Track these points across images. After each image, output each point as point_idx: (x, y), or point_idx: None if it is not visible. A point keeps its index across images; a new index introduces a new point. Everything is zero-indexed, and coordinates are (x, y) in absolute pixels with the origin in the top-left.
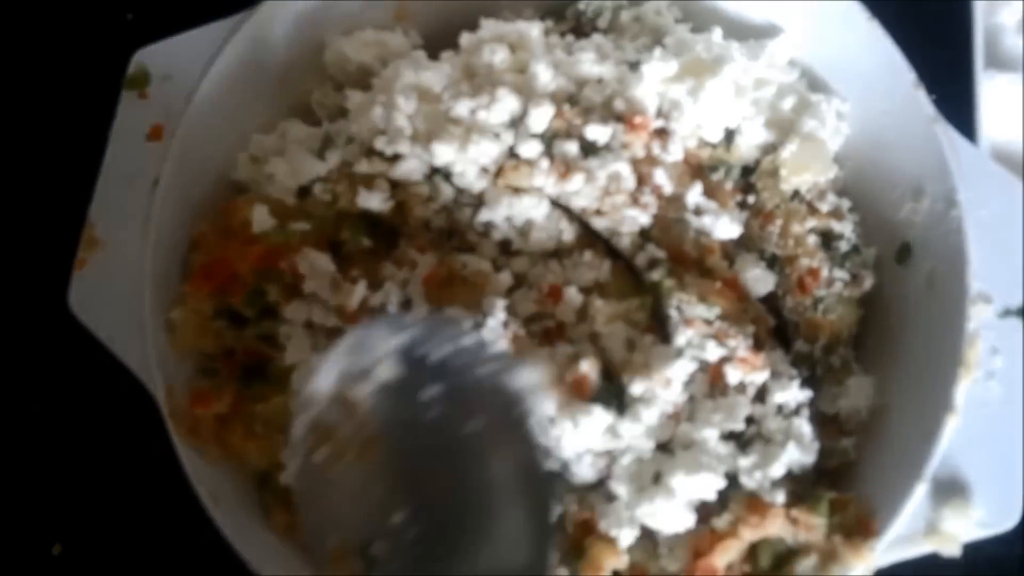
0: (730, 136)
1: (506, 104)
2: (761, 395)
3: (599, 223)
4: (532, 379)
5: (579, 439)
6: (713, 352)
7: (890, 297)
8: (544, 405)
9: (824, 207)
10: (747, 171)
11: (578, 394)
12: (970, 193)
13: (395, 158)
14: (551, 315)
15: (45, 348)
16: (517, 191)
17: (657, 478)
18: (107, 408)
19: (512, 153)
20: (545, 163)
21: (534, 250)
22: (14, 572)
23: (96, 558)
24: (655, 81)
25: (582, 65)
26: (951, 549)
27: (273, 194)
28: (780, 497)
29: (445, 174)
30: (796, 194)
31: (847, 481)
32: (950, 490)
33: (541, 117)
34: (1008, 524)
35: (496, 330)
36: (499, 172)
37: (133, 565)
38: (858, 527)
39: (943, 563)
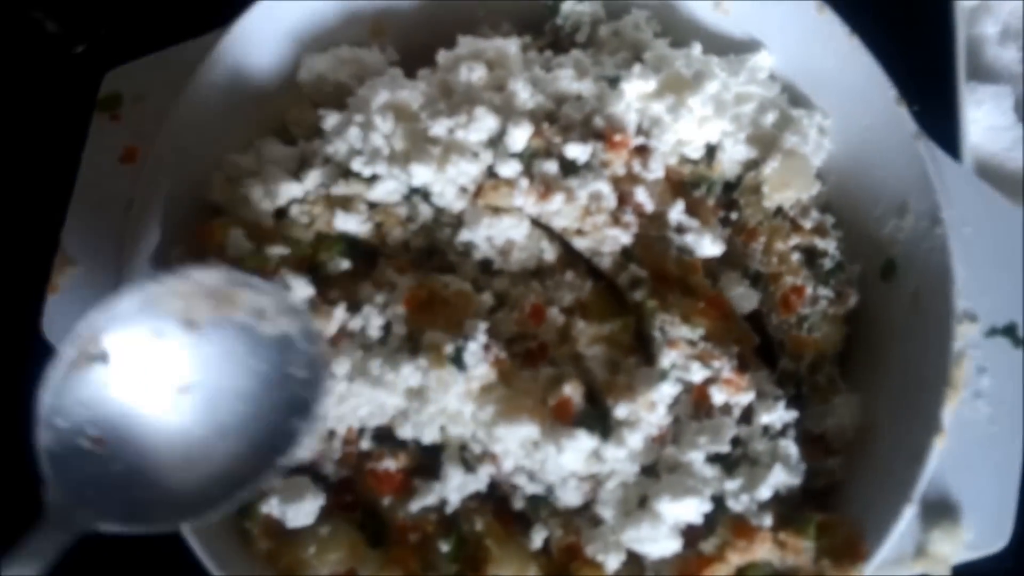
0: (712, 152)
1: (484, 123)
2: (747, 416)
3: (580, 243)
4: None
5: (563, 463)
6: (698, 373)
7: (875, 315)
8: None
9: (807, 223)
10: (729, 187)
11: (561, 418)
12: (955, 210)
13: (373, 179)
14: (533, 336)
15: (18, 374)
16: (497, 211)
17: (643, 502)
18: None
19: (491, 173)
20: (524, 182)
21: (515, 270)
22: None
23: None
24: (635, 98)
25: (561, 82)
26: (940, 571)
27: (249, 216)
28: (767, 520)
29: (424, 194)
30: (779, 211)
31: (834, 502)
32: (939, 511)
33: (520, 136)
34: (998, 545)
35: (476, 353)
36: (478, 192)
37: None
38: (846, 550)
39: None
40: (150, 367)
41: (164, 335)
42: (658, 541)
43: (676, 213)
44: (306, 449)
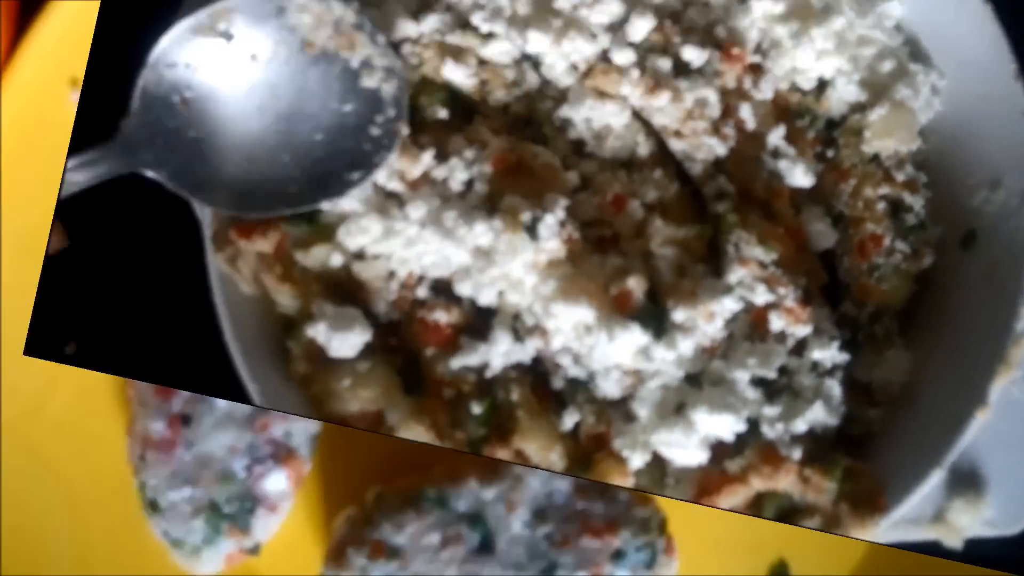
0: (822, 87)
1: (610, 7)
2: (799, 348)
3: (676, 145)
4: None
5: (611, 353)
6: (761, 296)
7: (946, 279)
8: None
9: (900, 176)
10: (832, 125)
11: (620, 308)
12: None
13: (489, 36)
14: (609, 224)
15: None
16: (602, 95)
17: (680, 408)
18: (150, 230)
19: (605, 56)
20: (635, 73)
21: (606, 156)
22: None
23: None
24: (760, 16)
25: None
26: (953, 541)
27: None
28: (796, 453)
29: (534, 63)
30: (875, 158)
31: (866, 452)
32: (965, 483)
33: (642, 26)
34: (1016, 528)
35: (551, 227)
36: (588, 72)
37: None
38: (867, 500)
39: (939, 562)
40: (258, 64)
41: (283, 44)
42: (686, 449)
43: (775, 137)
44: (353, 199)
